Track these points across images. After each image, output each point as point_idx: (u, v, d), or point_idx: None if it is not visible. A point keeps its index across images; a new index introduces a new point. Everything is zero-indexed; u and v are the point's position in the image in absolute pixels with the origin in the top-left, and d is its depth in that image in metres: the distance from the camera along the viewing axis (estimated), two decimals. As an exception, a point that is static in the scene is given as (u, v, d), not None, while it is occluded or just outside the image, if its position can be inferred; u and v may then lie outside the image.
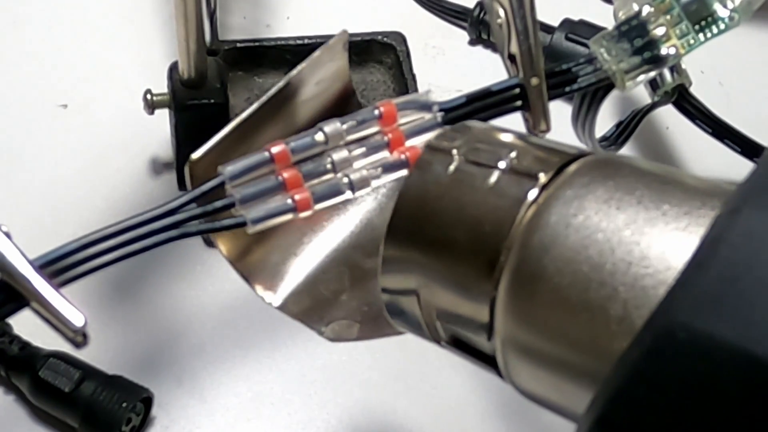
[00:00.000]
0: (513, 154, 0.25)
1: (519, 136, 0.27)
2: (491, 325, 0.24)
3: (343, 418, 0.45)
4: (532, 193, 0.24)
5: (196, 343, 0.46)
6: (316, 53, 0.35)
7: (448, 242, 0.25)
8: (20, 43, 0.58)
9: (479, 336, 0.25)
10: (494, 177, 0.25)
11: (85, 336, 0.27)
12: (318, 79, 0.36)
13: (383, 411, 0.45)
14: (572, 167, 0.24)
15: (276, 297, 0.34)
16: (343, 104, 0.38)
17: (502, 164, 0.25)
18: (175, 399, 0.44)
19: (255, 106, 0.33)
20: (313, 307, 0.34)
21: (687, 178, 0.23)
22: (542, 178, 0.24)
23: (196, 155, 0.32)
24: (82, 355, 0.40)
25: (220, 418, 0.44)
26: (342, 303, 0.35)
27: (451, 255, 0.25)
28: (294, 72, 0.34)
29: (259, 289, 0.34)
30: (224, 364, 0.46)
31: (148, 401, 0.43)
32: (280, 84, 0.34)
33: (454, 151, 0.26)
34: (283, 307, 0.34)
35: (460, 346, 0.26)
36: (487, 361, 0.25)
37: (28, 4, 0.60)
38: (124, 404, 0.41)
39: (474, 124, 0.27)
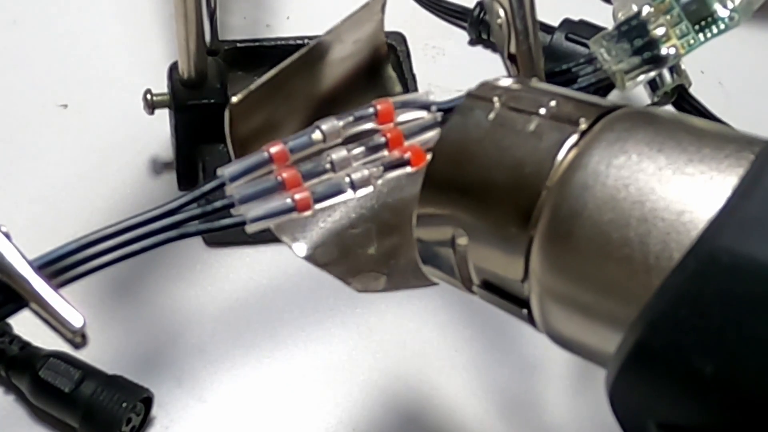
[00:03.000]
0: (553, 103, 0.26)
1: (557, 89, 0.27)
2: (527, 266, 0.24)
3: (343, 418, 0.45)
4: (573, 138, 0.24)
5: (196, 343, 0.46)
6: (356, 11, 0.35)
7: (487, 184, 0.25)
8: (20, 43, 0.58)
9: (513, 279, 0.25)
10: (535, 123, 0.25)
11: (84, 337, 0.27)
12: (356, 38, 0.36)
13: (383, 411, 0.45)
14: (612, 115, 0.25)
15: (303, 248, 0.34)
16: (376, 69, 0.38)
17: (542, 111, 0.25)
18: (175, 399, 0.45)
19: (294, 56, 0.33)
20: (341, 258, 0.35)
21: (724, 128, 0.24)
22: (583, 124, 0.24)
23: (236, 99, 0.32)
24: (82, 355, 0.40)
25: (220, 418, 0.44)
26: (370, 256, 0.35)
27: (489, 197, 0.25)
28: (333, 27, 0.34)
29: (286, 239, 0.34)
30: (224, 364, 0.46)
31: (148, 401, 0.43)
32: (320, 37, 0.34)
33: (495, 99, 0.26)
34: (309, 258, 0.34)
35: (492, 290, 0.26)
36: (520, 304, 0.25)
37: (28, 4, 0.60)
38: (124, 404, 0.41)
39: (512, 78, 0.28)
